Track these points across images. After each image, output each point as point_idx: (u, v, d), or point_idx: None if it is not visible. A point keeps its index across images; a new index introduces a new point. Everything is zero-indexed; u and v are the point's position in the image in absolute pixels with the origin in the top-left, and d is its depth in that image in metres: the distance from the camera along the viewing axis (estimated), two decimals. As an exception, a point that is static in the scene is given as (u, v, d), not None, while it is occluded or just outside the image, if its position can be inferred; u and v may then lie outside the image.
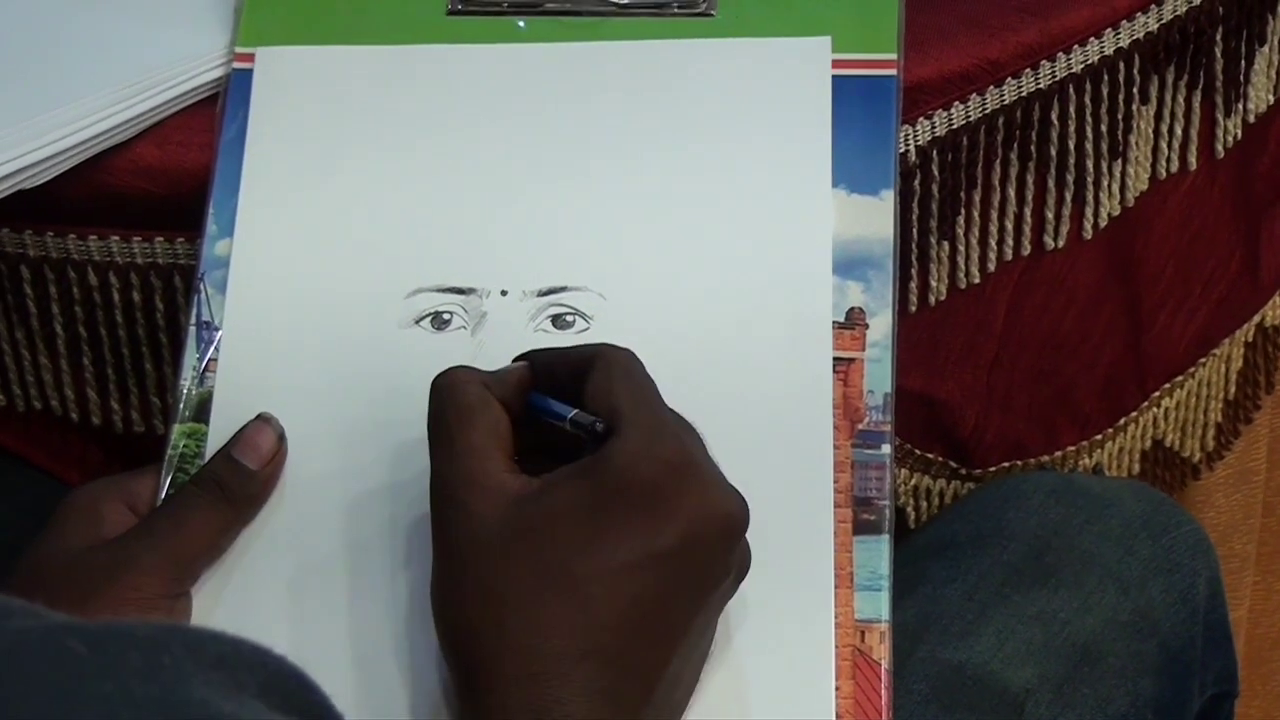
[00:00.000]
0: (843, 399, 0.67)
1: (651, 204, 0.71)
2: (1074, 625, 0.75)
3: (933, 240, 0.79)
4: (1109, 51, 0.78)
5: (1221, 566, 0.82)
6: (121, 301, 0.76)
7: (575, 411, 0.60)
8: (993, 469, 0.88)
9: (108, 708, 0.34)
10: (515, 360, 0.64)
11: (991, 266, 0.81)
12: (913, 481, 0.86)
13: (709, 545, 0.58)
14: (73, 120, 0.71)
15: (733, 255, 0.70)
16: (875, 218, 0.69)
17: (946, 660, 0.74)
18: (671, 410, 0.60)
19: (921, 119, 0.75)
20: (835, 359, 0.67)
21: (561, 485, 0.57)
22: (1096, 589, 0.76)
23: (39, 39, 0.76)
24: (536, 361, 0.63)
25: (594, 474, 0.57)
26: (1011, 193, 0.80)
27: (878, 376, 0.67)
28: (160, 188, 0.73)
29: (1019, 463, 0.88)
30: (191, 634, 0.38)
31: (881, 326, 0.68)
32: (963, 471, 0.87)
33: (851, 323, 0.68)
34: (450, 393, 0.60)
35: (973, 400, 0.85)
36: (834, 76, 0.72)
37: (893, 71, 0.72)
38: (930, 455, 0.86)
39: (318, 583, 0.66)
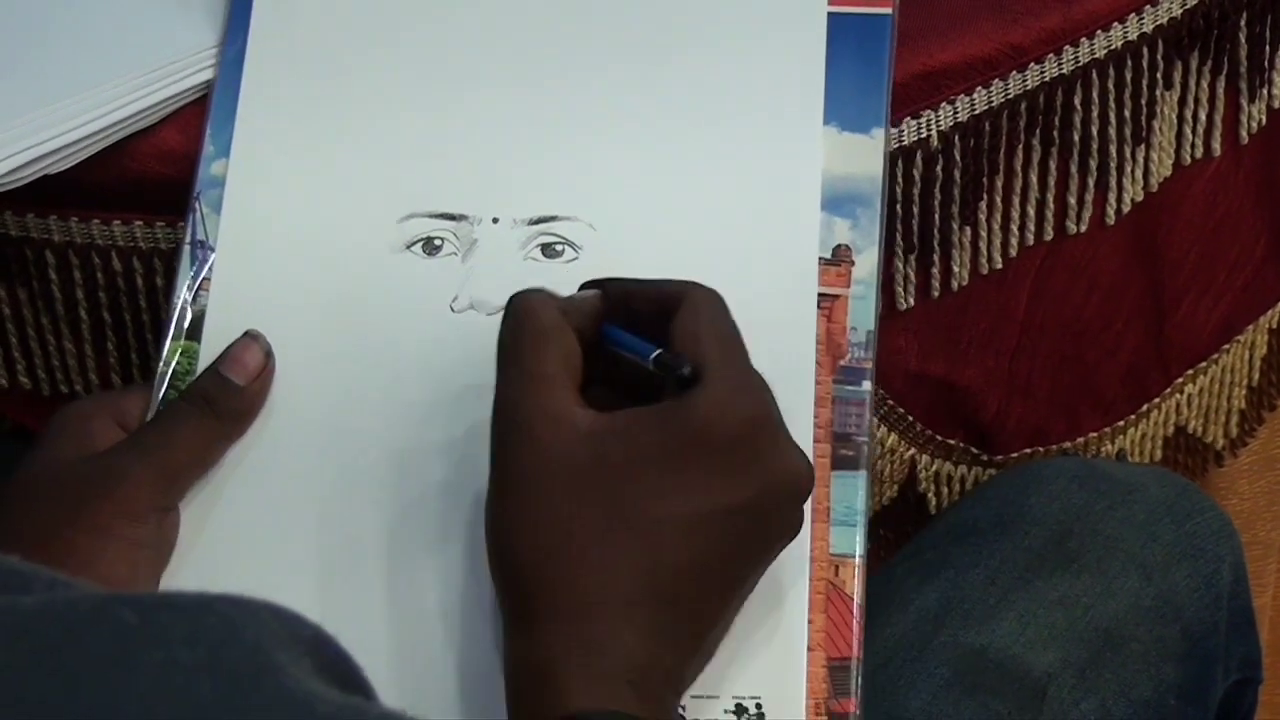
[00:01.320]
0: (826, 335, 0.67)
1: (643, 137, 0.71)
2: (1097, 610, 0.75)
3: (955, 225, 0.79)
4: (1132, 36, 0.78)
5: (1245, 553, 0.82)
6: (145, 286, 0.77)
7: (659, 351, 0.60)
8: (1014, 455, 0.88)
9: (158, 674, 0.35)
10: (584, 286, 0.63)
11: (1014, 252, 0.81)
12: (934, 467, 0.86)
13: (778, 505, 0.59)
14: (97, 105, 0.72)
15: (722, 189, 0.70)
16: (866, 156, 0.70)
17: (968, 644, 0.74)
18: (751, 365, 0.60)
19: (944, 104, 0.75)
20: (820, 294, 0.68)
21: (642, 427, 0.57)
22: (1119, 574, 0.76)
23: (65, 25, 0.76)
24: (611, 291, 0.63)
25: (677, 420, 0.57)
26: (1034, 178, 0.80)
27: (861, 314, 0.68)
28: (183, 173, 0.73)
29: (1041, 449, 0.88)
30: (229, 599, 0.38)
31: (867, 264, 0.68)
32: (984, 457, 0.87)
33: (838, 259, 0.68)
34: (527, 315, 0.60)
35: (995, 386, 0.85)
36: (829, 13, 0.72)
37: (888, 10, 0.72)
38: (952, 441, 0.86)
39: (305, 502, 0.67)
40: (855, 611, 0.64)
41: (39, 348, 0.81)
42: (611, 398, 0.60)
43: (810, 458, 0.64)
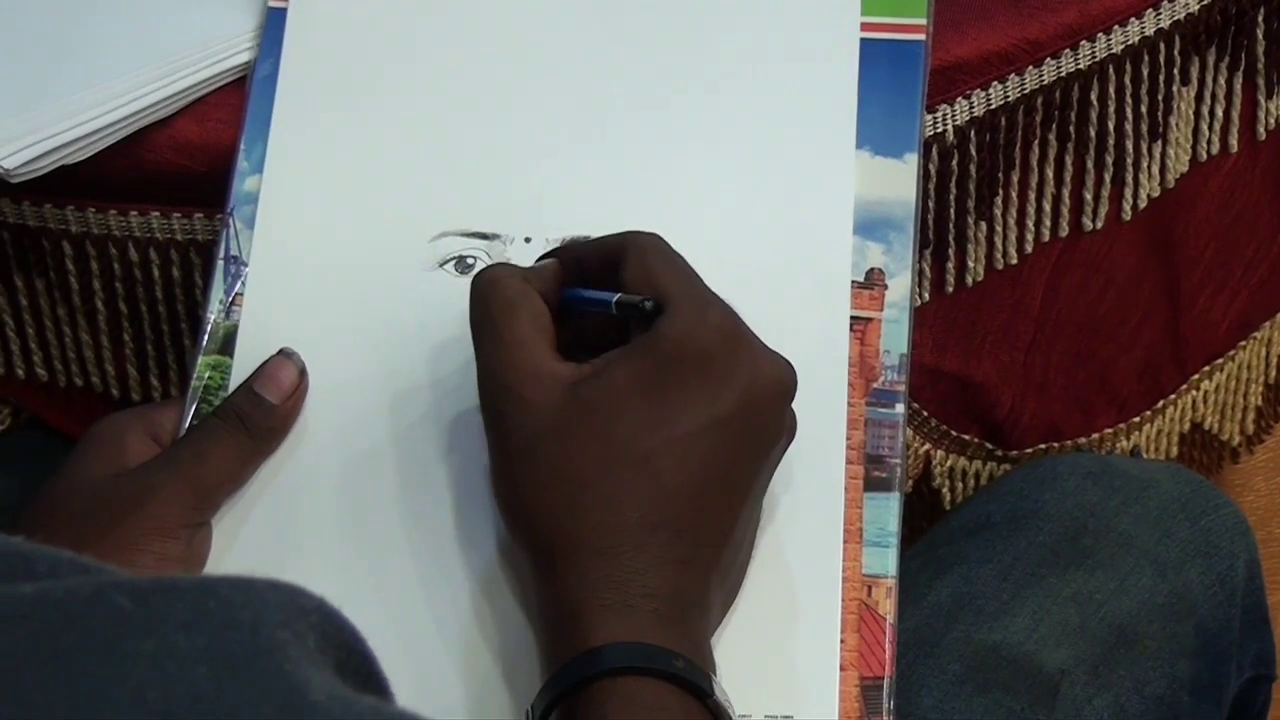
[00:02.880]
0: (859, 357, 0.67)
1: (676, 159, 0.72)
2: (1110, 606, 0.75)
3: (970, 221, 0.79)
4: (1149, 32, 0.78)
5: (1260, 550, 0.82)
6: (161, 277, 0.77)
7: (619, 295, 0.61)
8: (1029, 451, 0.88)
9: (153, 660, 0.35)
10: (540, 258, 0.65)
11: (1029, 248, 0.81)
12: (948, 462, 0.86)
13: (765, 407, 0.60)
14: (114, 97, 0.72)
15: (755, 212, 0.71)
16: (898, 180, 0.70)
17: (981, 640, 0.74)
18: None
19: (960, 99, 0.75)
20: (853, 318, 0.68)
21: (618, 365, 0.59)
22: (1133, 571, 0.76)
23: (80, 16, 0.76)
24: (564, 256, 0.65)
25: (650, 350, 0.59)
26: (1050, 174, 0.80)
27: (894, 337, 0.68)
28: (200, 164, 0.74)
29: (1055, 445, 0.88)
30: (230, 579, 0.38)
31: (900, 288, 0.68)
32: (999, 453, 0.87)
33: (871, 283, 0.69)
34: (492, 288, 0.62)
35: (1009, 382, 0.85)
36: (862, 39, 0.72)
37: (921, 37, 0.72)
38: (966, 436, 0.86)
39: (335, 518, 0.67)
40: (888, 631, 0.64)
41: (56, 339, 0.81)
42: (586, 359, 0.61)
43: (843, 479, 0.65)
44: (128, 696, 0.34)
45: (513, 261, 0.70)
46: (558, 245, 0.66)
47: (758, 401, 0.59)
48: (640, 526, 0.57)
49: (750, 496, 0.60)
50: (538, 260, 0.65)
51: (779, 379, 0.60)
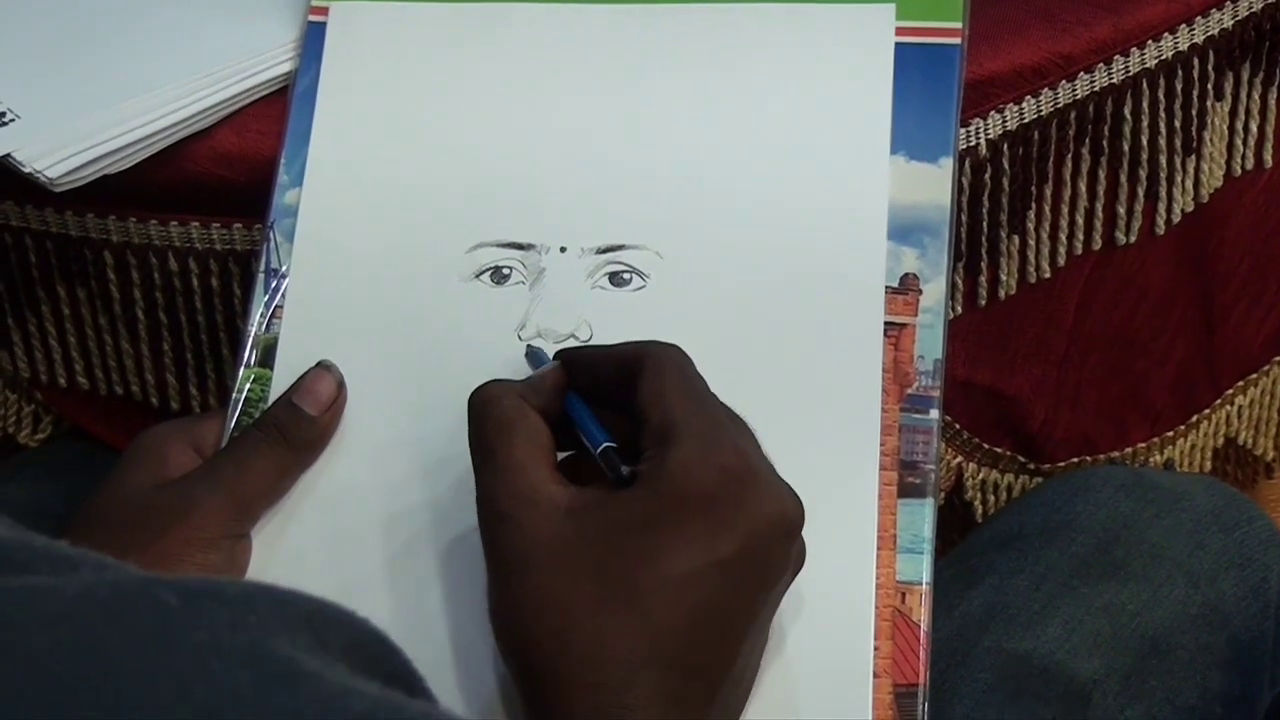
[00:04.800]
0: (893, 363, 0.67)
1: (711, 165, 0.72)
2: (1143, 617, 0.75)
3: (1003, 234, 0.79)
4: (1183, 47, 0.78)
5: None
6: (200, 287, 0.78)
7: (606, 446, 0.60)
8: (1061, 464, 0.87)
9: (197, 658, 0.35)
10: (556, 356, 0.64)
11: (1062, 261, 0.81)
12: (980, 475, 0.86)
13: (768, 548, 0.58)
14: (154, 107, 0.73)
15: (790, 217, 0.71)
16: (933, 185, 0.70)
17: (1013, 650, 0.74)
18: (724, 407, 0.60)
19: (993, 112, 0.76)
20: (887, 323, 0.68)
21: (618, 496, 0.57)
22: (1166, 582, 0.76)
23: (122, 28, 0.77)
24: (576, 361, 0.63)
25: (652, 484, 0.57)
26: (1083, 187, 0.80)
27: (929, 342, 0.68)
28: (239, 175, 0.74)
29: (1088, 458, 0.88)
30: (278, 593, 0.38)
31: (935, 293, 0.68)
32: (1031, 466, 0.87)
33: (905, 288, 0.69)
34: (486, 408, 0.61)
35: (1042, 395, 0.85)
36: (897, 44, 0.72)
37: (956, 40, 0.72)
38: (999, 450, 0.86)
39: (374, 528, 0.67)
40: (922, 638, 0.63)
41: (97, 348, 0.82)
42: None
43: (876, 485, 0.65)
44: (172, 692, 0.34)
45: (547, 271, 0.70)
46: (570, 345, 0.64)
47: (760, 543, 0.57)
48: (629, 662, 0.55)
49: (751, 634, 0.58)
50: (555, 356, 0.64)
51: (783, 517, 0.58)
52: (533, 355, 0.68)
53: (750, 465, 0.58)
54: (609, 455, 0.60)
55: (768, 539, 0.57)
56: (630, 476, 0.58)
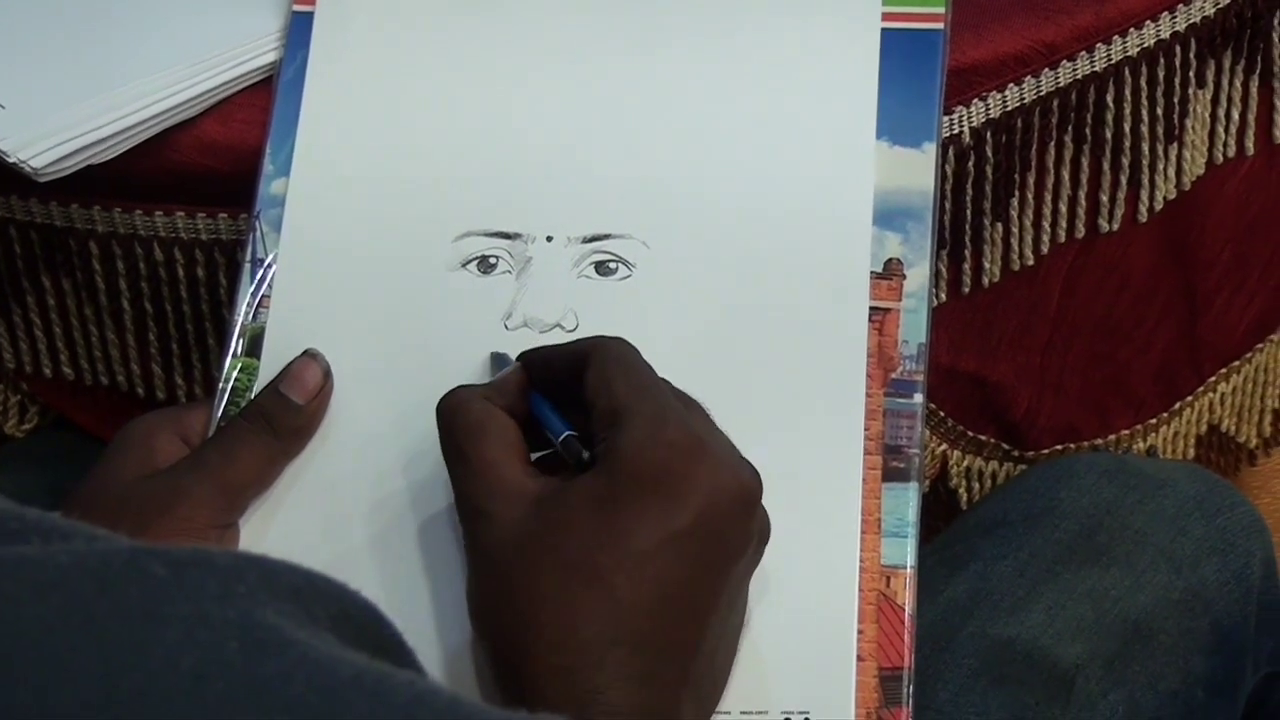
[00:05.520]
0: (877, 348, 0.68)
1: (696, 153, 0.72)
2: (1125, 603, 0.75)
3: (986, 222, 0.79)
4: (1165, 35, 0.78)
5: (1277, 551, 0.82)
6: (186, 277, 0.78)
7: (566, 434, 0.62)
8: (1045, 451, 0.88)
9: (186, 628, 0.35)
10: (518, 357, 0.65)
11: (1045, 249, 0.81)
12: (965, 463, 0.86)
13: (725, 518, 0.59)
14: (139, 97, 0.73)
15: (774, 204, 0.71)
16: (916, 170, 0.70)
17: (996, 635, 0.74)
18: (674, 389, 0.61)
19: (976, 100, 0.76)
20: (871, 308, 0.68)
21: (575, 482, 0.59)
22: (1148, 568, 0.76)
23: (107, 18, 0.77)
24: (534, 361, 0.64)
25: (605, 466, 0.58)
26: (1066, 175, 0.80)
27: (913, 327, 0.68)
28: (224, 164, 0.74)
29: (1072, 445, 0.88)
30: (267, 564, 0.39)
31: (918, 278, 0.69)
32: (1015, 454, 0.87)
33: (889, 273, 0.69)
34: (454, 414, 0.62)
35: (1026, 382, 0.85)
36: (882, 29, 0.73)
37: (939, 25, 0.72)
38: (983, 437, 0.87)
39: (361, 517, 0.67)
40: (907, 622, 0.64)
41: (83, 338, 0.82)
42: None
43: (861, 469, 0.66)
44: (161, 662, 0.35)
45: (534, 261, 0.71)
46: (526, 350, 0.66)
47: (715, 514, 0.58)
48: (597, 643, 0.56)
49: (717, 608, 0.59)
50: (518, 358, 0.65)
51: (740, 488, 0.59)
52: (496, 359, 0.68)
53: (700, 440, 0.59)
54: (569, 443, 0.62)
55: (724, 510, 0.58)
56: (590, 460, 0.60)
